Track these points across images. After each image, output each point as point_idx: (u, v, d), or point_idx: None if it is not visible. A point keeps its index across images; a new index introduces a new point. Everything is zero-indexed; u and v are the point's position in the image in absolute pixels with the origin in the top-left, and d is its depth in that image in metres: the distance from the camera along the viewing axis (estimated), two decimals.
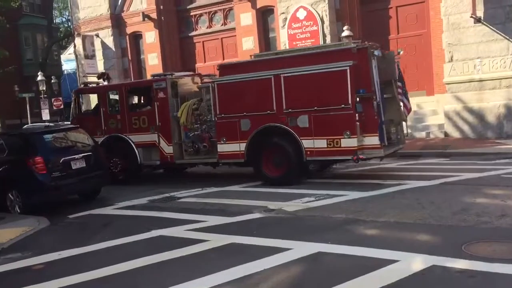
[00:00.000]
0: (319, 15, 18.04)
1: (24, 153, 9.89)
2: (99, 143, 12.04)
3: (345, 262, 5.74)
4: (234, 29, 21.10)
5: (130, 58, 24.00)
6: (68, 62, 40.79)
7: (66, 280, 5.84)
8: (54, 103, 28.51)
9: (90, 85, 14.61)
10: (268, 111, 10.60)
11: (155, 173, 14.45)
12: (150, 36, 23.01)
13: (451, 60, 16.01)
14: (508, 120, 15.21)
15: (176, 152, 12.20)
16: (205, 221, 8.13)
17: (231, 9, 21.41)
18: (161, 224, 8.12)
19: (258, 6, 19.99)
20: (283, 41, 19.02)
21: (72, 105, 13.98)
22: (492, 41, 15.25)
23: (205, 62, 22.06)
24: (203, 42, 22.66)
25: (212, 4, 22.17)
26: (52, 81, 31.87)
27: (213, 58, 21.81)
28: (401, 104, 11.20)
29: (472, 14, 15.11)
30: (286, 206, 8.69)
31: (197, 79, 13.22)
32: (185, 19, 23.15)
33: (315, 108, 10.06)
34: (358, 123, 9.74)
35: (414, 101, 17.75)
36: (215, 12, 22.23)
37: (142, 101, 13.63)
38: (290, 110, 10.36)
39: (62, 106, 28.88)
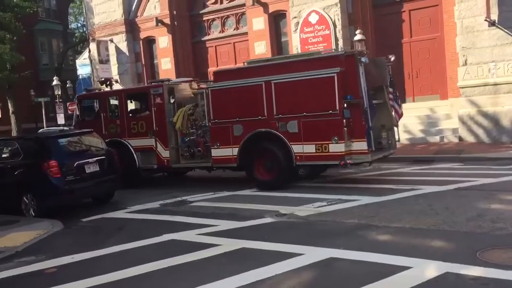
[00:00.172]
0: (331, 19, 18.01)
1: (39, 157, 9.99)
2: None
3: (357, 268, 5.70)
4: (246, 33, 21.15)
5: (143, 63, 24.18)
6: (83, 67, 41.27)
7: (78, 284, 5.89)
8: (69, 108, 28.82)
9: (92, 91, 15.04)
10: (259, 117, 10.82)
11: (167, 177, 14.50)
12: (163, 41, 23.17)
13: (465, 63, 15.85)
14: None
15: (173, 156, 12.50)
16: (217, 225, 8.13)
17: (243, 13, 21.47)
18: (173, 228, 8.14)
19: (270, 11, 20.02)
20: (295, 45, 19.02)
21: (75, 110, 14.32)
22: (506, 44, 15.08)
23: (217, 66, 22.10)
24: (215, 46, 22.75)
25: (224, 9, 22.26)
26: (67, 85, 32.20)
27: (226, 63, 21.86)
28: (392, 109, 11.34)
29: (486, 18, 14.97)
30: (298, 211, 8.66)
31: (195, 85, 13.43)
32: (198, 24, 23.28)
33: (304, 114, 10.26)
34: (345, 128, 9.92)
35: (428, 105, 17.69)
36: (228, 17, 22.32)
37: (140, 107, 13.86)
38: (280, 115, 10.59)
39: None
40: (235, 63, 21.20)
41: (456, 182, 10.01)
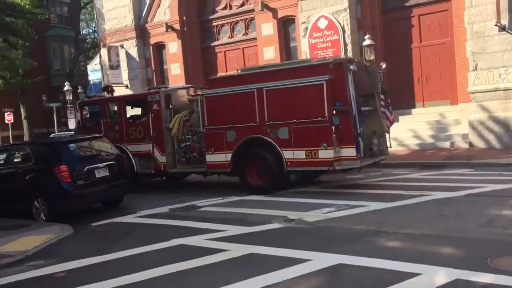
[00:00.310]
0: (340, 24, 18.01)
1: (49, 161, 10.07)
2: None
3: (366, 275, 5.66)
4: (255, 39, 21.21)
5: (153, 68, 24.34)
6: (94, 72, 41.53)
7: None
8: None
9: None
10: (252, 123, 11.04)
11: (177, 182, 14.54)
12: (173, 47, 23.31)
13: (476, 68, 15.76)
14: None
15: (169, 161, 12.73)
16: (225, 230, 8.14)
17: (252, 19, 21.55)
18: (182, 233, 8.16)
19: (279, 16, 20.06)
20: (304, 51, 19.03)
21: (76, 116, 14.70)
22: None
23: (226, 71, 22.19)
24: (224, 52, 22.85)
25: (233, 15, 22.36)
26: (79, 90, 32.48)
27: (235, 68, 21.79)
28: (384, 116, 11.50)
29: (496, 23, 14.87)
30: (306, 216, 8.64)
31: (192, 92, 13.61)
32: (207, 30, 23.40)
33: (295, 120, 10.47)
34: (334, 135, 10.10)
35: (437, 110, 17.60)
36: (237, 22, 22.41)
37: (138, 113, 14.05)
38: (271, 122, 10.80)
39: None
40: None
41: (467, 188, 9.92)
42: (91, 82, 41.11)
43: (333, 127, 10.08)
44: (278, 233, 7.84)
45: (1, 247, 7.93)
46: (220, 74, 21.59)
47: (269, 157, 10.94)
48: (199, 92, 13.16)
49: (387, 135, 11.80)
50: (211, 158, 11.73)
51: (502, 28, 14.88)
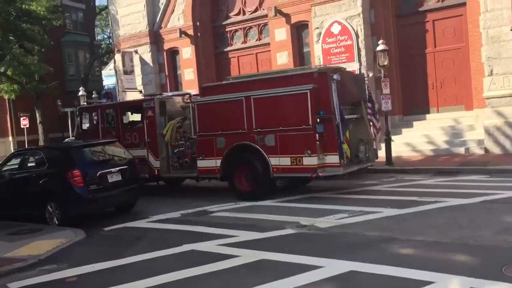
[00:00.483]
0: (354, 30, 17.94)
1: (62, 166, 10.13)
2: None
3: (378, 282, 5.59)
4: (268, 44, 21.22)
5: (167, 73, 24.48)
6: (108, 77, 41.97)
7: None
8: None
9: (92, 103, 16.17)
10: (240, 130, 11.35)
11: (190, 187, 14.57)
12: (187, 52, 23.42)
13: (491, 74, 15.57)
14: None
15: (163, 166, 13.10)
16: (237, 236, 8.11)
17: (265, 24, 21.57)
18: (193, 238, 8.15)
19: (292, 22, 20.06)
20: (317, 56, 18.99)
21: (76, 121, 15.11)
22: None
23: None
24: (238, 57, 22.89)
25: (247, 20, 22.42)
26: (93, 96, 32.78)
27: (248, 73, 21.94)
28: (370, 124, 11.79)
29: None
30: (319, 222, 8.58)
31: (188, 99, 13.87)
32: (221, 35, 23.48)
33: (280, 128, 10.75)
34: (318, 142, 10.35)
35: (452, 115, 17.42)
36: (250, 27, 22.46)
37: (134, 119, 14.39)
38: (259, 129, 11.09)
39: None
40: None
41: (482, 195, 9.78)
42: (106, 87, 41.53)
43: (317, 135, 10.35)
44: (290, 239, 7.79)
45: (14, 251, 8.00)
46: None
47: (257, 164, 11.21)
48: (193, 99, 13.43)
49: (374, 142, 12.01)
50: (202, 163, 12.07)
51: None
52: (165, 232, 9.02)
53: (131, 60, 24.85)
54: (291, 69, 13.63)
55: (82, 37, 37.27)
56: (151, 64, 24.41)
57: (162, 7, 23.98)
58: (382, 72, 15.54)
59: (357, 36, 17.93)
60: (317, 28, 18.80)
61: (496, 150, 15.46)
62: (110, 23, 28.58)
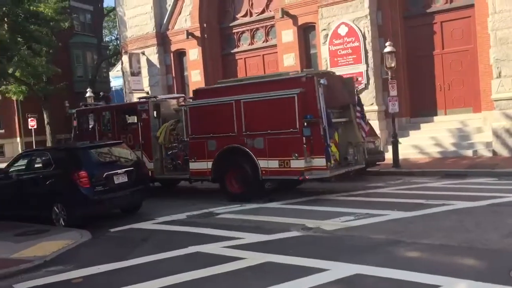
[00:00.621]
0: (361, 31, 17.89)
1: (69, 167, 10.15)
2: None
3: (383, 286, 5.56)
4: (275, 46, 21.22)
5: (174, 75, 24.54)
6: (116, 79, 42.09)
7: None
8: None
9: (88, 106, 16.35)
10: (230, 133, 11.57)
11: (195, 188, 14.57)
12: (194, 54, 23.47)
13: (499, 76, 15.46)
14: None
15: (157, 168, 13.32)
16: (242, 238, 8.09)
17: (272, 26, 21.57)
18: (198, 240, 8.14)
19: (299, 23, 20.04)
20: (324, 58, 18.96)
21: (74, 124, 15.37)
22: None
23: None
24: (244, 58, 22.90)
25: (254, 22, 22.42)
26: (101, 96, 32.93)
27: (255, 75, 21.95)
28: (359, 127, 11.93)
29: None
30: (325, 225, 8.54)
31: (182, 102, 14.10)
32: (228, 37, 23.50)
33: (269, 131, 10.93)
34: (305, 146, 10.52)
35: (460, 118, 17.32)
36: (257, 29, 22.47)
37: (129, 121, 14.57)
38: (248, 132, 11.30)
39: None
40: None
41: (489, 198, 9.71)
42: (113, 89, 41.70)
43: (304, 138, 10.51)
44: (295, 241, 7.76)
45: (20, 252, 8.03)
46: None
47: (246, 166, 11.38)
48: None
49: (363, 145, 12.14)
50: (194, 165, 12.27)
51: None
52: (170, 234, 9.02)
53: (138, 61, 24.95)
54: (280, 73, 13.95)
55: (90, 39, 37.45)
56: (158, 66, 24.49)
57: (169, 8, 24.05)
58: (389, 74, 15.49)
59: (364, 38, 17.88)
60: (324, 29, 18.77)
61: (504, 152, 15.35)
62: (117, 24, 28.70)
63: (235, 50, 23.21)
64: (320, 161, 10.54)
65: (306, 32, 20.45)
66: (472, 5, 16.79)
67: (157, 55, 24.45)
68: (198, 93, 13.05)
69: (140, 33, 24.84)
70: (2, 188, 11.34)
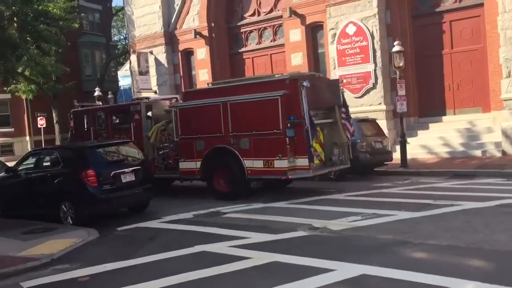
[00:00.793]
0: (369, 30, 17.81)
1: (77, 166, 10.21)
2: None
3: (390, 287, 5.52)
4: (283, 45, 21.19)
5: (181, 74, 24.58)
6: (124, 78, 42.26)
7: None
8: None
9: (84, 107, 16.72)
10: (218, 134, 11.88)
11: (202, 187, 14.56)
12: (201, 53, 23.49)
13: (509, 75, 15.34)
14: None
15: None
16: (249, 237, 8.08)
17: (280, 25, 21.53)
18: (205, 239, 8.14)
19: (307, 22, 19.99)
20: (332, 57, 18.90)
21: (70, 124, 15.85)
22: None
23: None
24: (252, 58, 22.90)
25: (261, 21, 22.41)
26: (108, 96, 33.05)
27: (262, 74, 21.93)
28: (344, 128, 12.15)
29: None
30: (331, 225, 8.50)
31: (175, 103, 14.37)
32: (235, 36, 23.50)
33: (254, 132, 11.23)
34: (288, 146, 10.80)
35: (469, 117, 17.21)
36: (265, 28, 22.45)
37: (122, 122, 14.73)
38: (234, 133, 11.60)
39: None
40: None
41: (498, 198, 9.63)
42: (121, 88, 41.86)
43: (287, 139, 10.77)
44: (302, 241, 7.73)
45: (28, 250, 8.07)
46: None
47: (233, 166, 11.66)
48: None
49: (348, 145, 12.34)
50: (183, 165, 12.58)
51: None
52: (177, 233, 9.03)
53: (146, 60, 25.02)
54: (266, 75, 14.20)
55: (99, 38, 37.62)
56: (166, 65, 24.55)
57: (177, 8, 24.10)
58: (398, 73, 15.40)
59: (373, 37, 17.80)
60: (332, 29, 18.71)
61: None
62: (126, 24, 28.81)
63: (243, 49, 23.20)
64: (303, 161, 10.82)
65: (314, 31, 20.39)
66: (481, 4, 16.66)
67: (165, 54, 24.50)
68: (187, 94, 13.51)
69: (148, 32, 24.90)
70: (10, 186, 11.46)
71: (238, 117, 11.55)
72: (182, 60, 24.54)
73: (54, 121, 30.71)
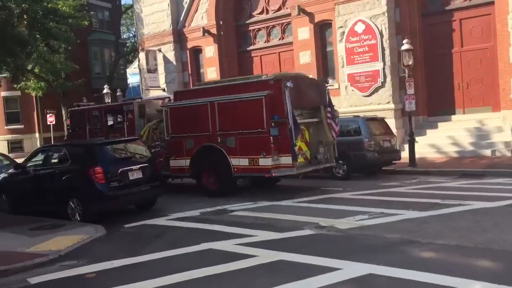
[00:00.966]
0: (378, 29, 17.71)
1: (85, 163, 10.25)
2: None
3: (397, 286, 5.48)
4: (291, 43, 21.13)
5: (190, 72, 24.61)
6: (133, 75, 42.39)
7: None
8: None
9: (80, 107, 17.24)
10: (206, 133, 12.22)
11: None
12: (210, 51, 23.50)
13: None
14: None
15: None
16: (255, 235, 8.07)
17: (288, 23, 21.48)
18: (211, 237, 8.14)
19: (316, 20, 19.92)
20: (340, 55, 18.83)
21: (67, 123, 16.22)
22: None
23: None
24: (260, 56, 22.87)
25: (270, 19, 22.37)
26: (117, 93, 33.15)
27: (270, 72, 21.61)
28: (330, 127, 12.35)
29: None
30: (338, 224, 8.47)
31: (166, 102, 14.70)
32: (244, 34, 23.48)
33: (240, 131, 11.56)
34: (272, 145, 11.09)
35: (478, 117, 17.07)
36: (273, 26, 22.40)
37: (116, 121, 15.26)
38: (221, 132, 11.94)
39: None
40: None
41: (507, 198, 9.55)
42: (130, 86, 42.01)
43: (271, 138, 11.07)
44: (308, 240, 7.71)
45: (36, 246, 8.11)
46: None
47: (220, 164, 11.97)
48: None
49: (333, 144, 12.56)
50: (173, 163, 12.96)
51: None
52: (184, 230, 9.04)
53: (155, 58, 25.07)
54: (253, 76, 14.51)
55: (108, 36, 37.73)
56: (174, 63, 24.58)
57: (186, 6, 24.12)
58: (407, 72, 15.32)
59: (382, 35, 17.70)
60: (341, 27, 18.63)
61: None
62: (135, 21, 28.88)
63: (251, 47, 23.18)
64: (286, 159, 11.11)
65: (322, 29, 20.32)
66: (492, 3, 16.50)
67: (174, 52, 24.54)
68: (178, 94, 13.80)
69: (157, 30, 24.95)
70: (19, 183, 11.53)
71: (225, 117, 11.89)
72: (190, 58, 24.57)
73: (64, 118, 30.86)
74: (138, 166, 10.66)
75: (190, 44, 24.32)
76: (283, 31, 22.06)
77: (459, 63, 17.59)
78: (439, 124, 17.79)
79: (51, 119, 28.32)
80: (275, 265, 6.47)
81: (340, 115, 16.90)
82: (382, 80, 17.77)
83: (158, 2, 24.65)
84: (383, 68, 17.76)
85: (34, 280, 6.62)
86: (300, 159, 11.60)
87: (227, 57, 23.38)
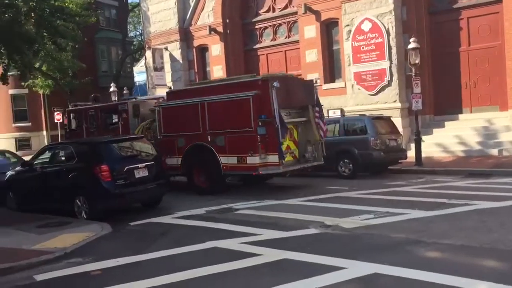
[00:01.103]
0: (385, 27, 17.64)
1: (91, 161, 10.28)
2: None
3: (402, 286, 5.46)
4: (297, 41, 21.10)
5: (196, 70, 24.64)
6: (140, 74, 42.49)
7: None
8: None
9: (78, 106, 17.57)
10: (196, 132, 12.54)
11: None
12: (216, 49, 23.51)
13: None
14: None
15: None
16: (260, 234, 8.07)
17: (295, 22, 21.45)
18: (216, 235, 8.15)
19: (322, 19, 19.88)
20: (347, 54, 18.77)
21: (65, 122, 16.85)
22: None
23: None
24: (267, 54, 22.85)
25: (276, 17, 22.34)
26: (124, 92, 33.25)
27: (277, 71, 21.77)
28: (318, 126, 12.57)
29: None
30: (344, 223, 8.45)
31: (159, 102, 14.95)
32: (250, 32, 23.47)
33: (229, 130, 11.87)
34: (260, 144, 11.34)
35: (485, 116, 16.96)
36: (280, 25, 22.37)
37: (112, 120, 15.65)
38: (211, 131, 12.24)
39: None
40: (286, 71, 21.20)
41: None
42: (137, 84, 42.11)
43: (258, 137, 11.32)
44: (313, 239, 7.70)
45: (42, 243, 8.17)
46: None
47: (210, 162, 12.25)
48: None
49: (321, 143, 12.72)
50: (166, 161, 12.81)
51: None
52: (189, 229, 9.06)
53: (161, 56, 25.13)
54: (242, 76, 14.62)
55: (115, 34, 37.83)
56: (181, 61, 24.62)
57: (192, 4, 24.15)
58: (413, 70, 15.25)
59: (388, 34, 17.63)
60: (347, 25, 18.57)
61: None
62: (141, 20, 28.93)
63: (258, 46, 23.16)
64: (273, 158, 11.39)
65: (329, 28, 20.27)
66: (500, 1, 16.40)
67: (180, 50, 24.58)
68: (170, 94, 14.09)
69: (163, 28, 25.00)
70: (26, 180, 11.60)
71: (214, 116, 12.17)
72: (196, 56, 24.59)
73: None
74: (144, 164, 10.68)
75: (196, 42, 24.35)
76: (290, 30, 22.03)
77: (467, 61, 17.49)
78: (446, 123, 17.70)
79: (58, 117, 28.42)
80: (280, 264, 6.47)
81: (346, 114, 16.97)
82: (389, 79, 17.71)
83: (165, 1, 24.70)
84: (390, 67, 17.70)
85: (40, 277, 6.67)
86: (288, 158, 11.89)
87: (233, 55, 23.38)
